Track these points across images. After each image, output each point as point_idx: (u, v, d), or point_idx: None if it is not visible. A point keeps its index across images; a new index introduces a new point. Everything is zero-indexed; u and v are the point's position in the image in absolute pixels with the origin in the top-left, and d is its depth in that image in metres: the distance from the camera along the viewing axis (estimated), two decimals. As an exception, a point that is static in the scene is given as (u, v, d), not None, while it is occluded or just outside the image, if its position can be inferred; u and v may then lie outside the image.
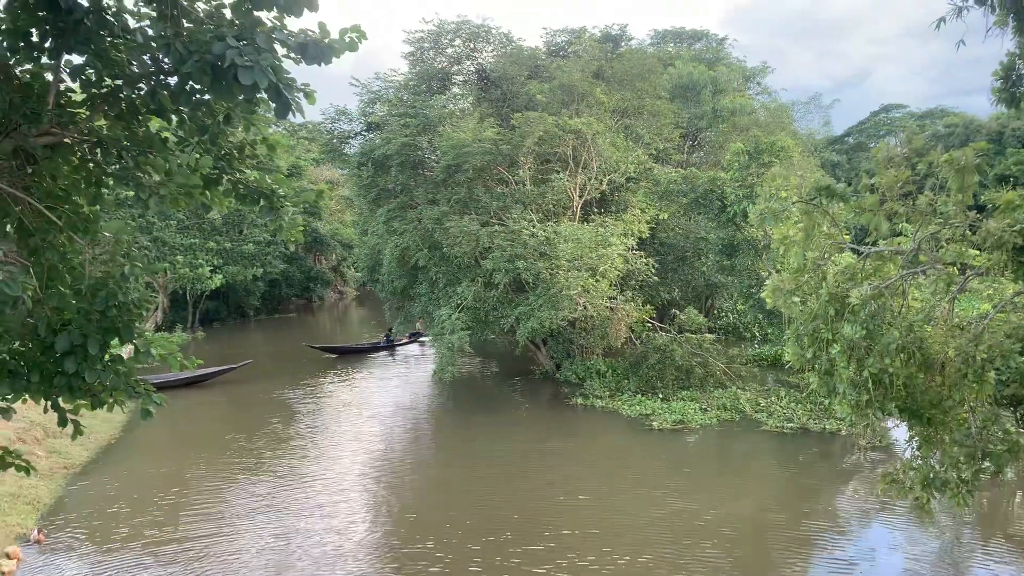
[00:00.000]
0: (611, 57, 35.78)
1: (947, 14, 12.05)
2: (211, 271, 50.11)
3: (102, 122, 7.48)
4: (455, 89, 36.05)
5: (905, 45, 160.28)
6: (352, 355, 43.16)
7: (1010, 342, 12.40)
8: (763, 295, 13.98)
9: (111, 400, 7.64)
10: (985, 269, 11.63)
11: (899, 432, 21.44)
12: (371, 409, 30.44)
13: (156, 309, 51.22)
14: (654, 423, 25.29)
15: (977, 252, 11.69)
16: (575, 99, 32.71)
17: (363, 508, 19.52)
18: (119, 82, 7.15)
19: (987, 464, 11.16)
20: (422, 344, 45.05)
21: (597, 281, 28.40)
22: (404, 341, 45.22)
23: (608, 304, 29.23)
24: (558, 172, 31.32)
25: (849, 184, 13.45)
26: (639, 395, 28.47)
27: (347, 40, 6.83)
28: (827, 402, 23.13)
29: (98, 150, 7.51)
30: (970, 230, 11.58)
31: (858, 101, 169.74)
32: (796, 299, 12.42)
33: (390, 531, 17.99)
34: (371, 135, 33.83)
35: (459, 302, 29.83)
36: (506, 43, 35.47)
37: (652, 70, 36.85)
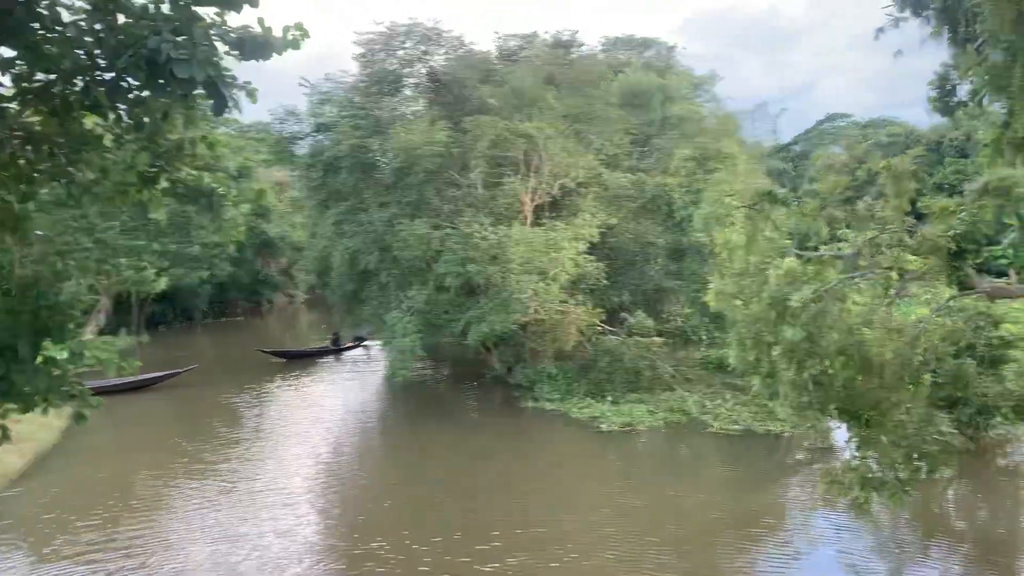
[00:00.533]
0: (563, 63, 35.95)
1: (885, 25, 12.39)
2: (156, 274, 49.01)
3: (34, 118, 7.27)
4: (406, 91, 35.85)
5: (852, 57, 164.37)
6: (301, 359, 42.61)
7: (944, 345, 12.80)
8: (707, 299, 14.19)
9: (43, 404, 7.41)
10: (921, 274, 11.97)
11: (840, 433, 21.92)
12: (320, 413, 30.09)
13: (99, 312, 49.98)
14: (603, 425, 25.45)
15: (914, 257, 12.02)
16: (527, 104, 32.77)
17: (310, 511, 19.27)
18: (52, 77, 6.95)
19: (922, 464, 11.45)
20: (367, 348, 44.70)
21: (548, 285, 28.50)
22: (349, 345, 44.76)
23: (559, 308, 29.34)
24: (510, 176, 31.36)
25: (794, 190, 13.73)
26: (589, 398, 28.61)
27: (290, 38, 6.73)
28: (770, 404, 23.56)
29: (29, 146, 7.29)
30: (908, 236, 11.90)
31: (805, 110, 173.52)
32: (739, 302, 12.63)
33: (338, 532, 17.81)
34: (321, 136, 33.49)
35: (410, 305, 29.65)
36: (458, 46, 35.39)
37: (603, 77, 37.12)
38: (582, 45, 39.59)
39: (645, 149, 45.17)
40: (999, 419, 20.27)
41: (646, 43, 54.57)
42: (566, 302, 29.81)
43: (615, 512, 18.42)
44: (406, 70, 35.47)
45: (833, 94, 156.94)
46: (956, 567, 15.51)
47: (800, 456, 22.32)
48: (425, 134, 29.67)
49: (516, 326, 29.02)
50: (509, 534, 16.99)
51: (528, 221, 32.08)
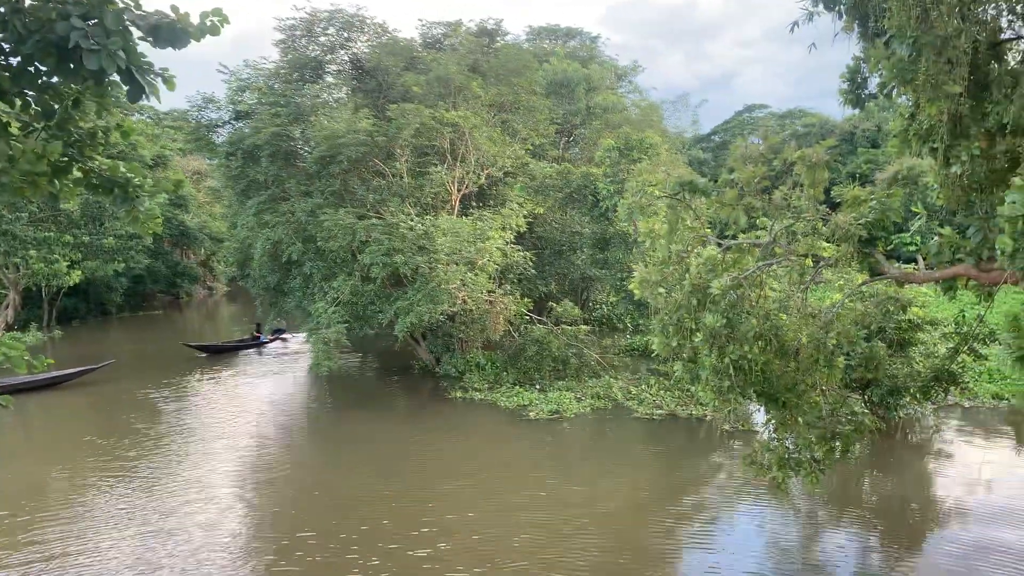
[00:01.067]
0: (487, 51, 35.91)
1: (800, 19, 12.73)
2: (68, 266, 47.15)
3: (-68, 103, 6.92)
4: (329, 79, 35.31)
5: (769, 49, 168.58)
6: (225, 353, 41.65)
7: (856, 329, 13.29)
8: (631, 287, 14.42)
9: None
10: (835, 260, 12.39)
11: (760, 416, 22.60)
12: (242, 407, 29.48)
13: (7, 307, 47.86)
14: (531, 413, 25.67)
15: (828, 244, 12.43)
16: (452, 92, 32.66)
17: (235, 503, 18.93)
18: (-49, 60, 6.62)
19: (837, 444, 11.89)
20: (284, 341, 43.99)
21: (476, 275, 28.52)
22: (270, 339, 43.96)
23: (487, 297, 29.41)
24: (436, 165, 31.23)
25: (714, 180, 14.03)
26: (517, 387, 28.81)
27: (208, 24, 6.55)
28: (692, 388, 24.14)
29: (-73, 134, 6.94)
30: (822, 223, 12.31)
31: (725, 101, 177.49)
32: (662, 290, 12.87)
33: (264, 524, 17.54)
34: (240, 124, 32.73)
35: (335, 296, 29.29)
36: (381, 33, 35.02)
37: (528, 66, 37.23)
38: (507, 34, 39.62)
39: (570, 139, 45.63)
40: (908, 399, 21.22)
41: (570, 33, 55.04)
42: (494, 292, 29.89)
43: (544, 497, 18.63)
44: (328, 56, 34.95)
45: (752, 85, 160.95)
46: (871, 538, 16.19)
47: (721, 439, 22.94)
48: (348, 122, 29.28)
49: (444, 316, 28.98)
50: (440, 520, 17.02)
51: (455, 211, 32.02)
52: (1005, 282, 10.42)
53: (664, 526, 16.84)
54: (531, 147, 36.76)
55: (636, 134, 32.80)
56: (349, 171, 30.20)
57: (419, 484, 19.73)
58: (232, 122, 33.59)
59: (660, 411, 25.27)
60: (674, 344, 12.72)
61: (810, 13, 12.45)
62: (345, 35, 34.55)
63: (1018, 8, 10.90)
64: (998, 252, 8.38)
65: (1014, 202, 7.32)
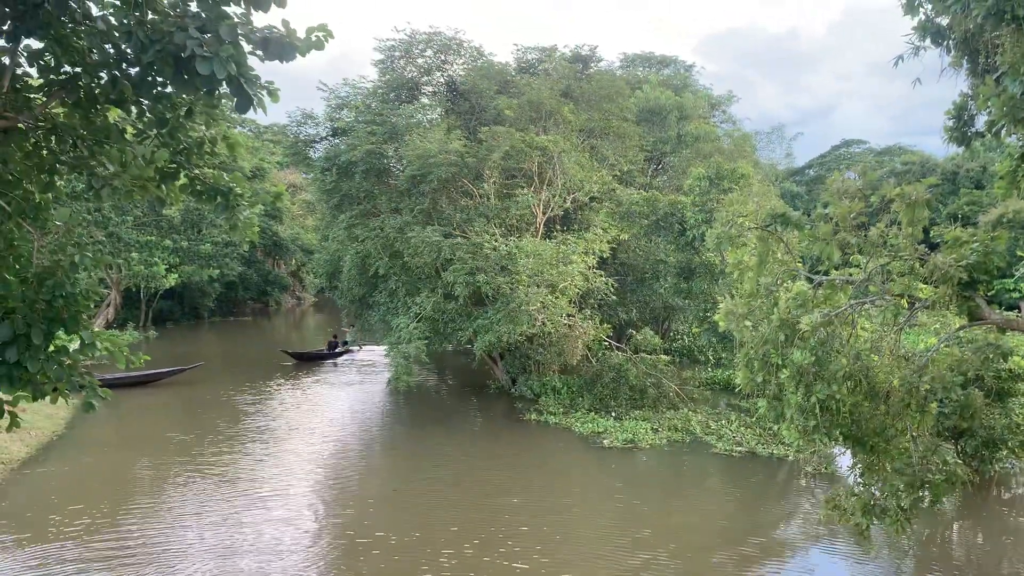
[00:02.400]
0: (580, 77, 36.11)
1: (905, 53, 12.39)
2: (166, 270, 49.29)
3: (59, 109, 7.36)
4: (424, 99, 36.04)
5: (870, 83, 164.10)
6: (312, 361, 42.75)
7: (952, 375, 12.74)
8: (716, 318, 14.19)
9: (53, 392, 7.47)
10: (931, 302, 11.92)
11: (844, 459, 21.80)
12: (322, 415, 30.15)
13: (108, 306, 50.22)
14: (605, 441, 25.39)
15: (924, 286, 11.99)
16: (543, 116, 32.92)
17: (309, 504, 19.61)
18: (78, 69, 7.05)
19: (926, 493, 11.39)
20: (351, 352, 44.70)
21: (556, 298, 28.51)
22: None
23: (566, 321, 29.35)
24: (523, 188, 31.46)
25: (807, 214, 13.72)
26: (592, 413, 28.57)
27: (313, 39, 6.81)
28: (775, 427, 23.47)
29: (53, 137, 7.38)
30: (919, 264, 11.88)
31: (822, 135, 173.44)
32: (748, 323, 12.63)
33: (336, 525, 18.00)
34: (337, 140, 33.66)
35: (418, 312, 29.73)
36: (477, 57, 35.61)
37: (620, 92, 37.25)
38: (600, 60, 39.76)
39: (659, 166, 45.32)
40: (1005, 452, 20.15)
41: (664, 61, 54.84)
42: (574, 316, 29.82)
43: (611, 525, 18.39)
44: (424, 78, 35.68)
45: (849, 120, 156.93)
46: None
47: (802, 481, 22.21)
48: (440, 142, 29.80)
49: (523, 338, 29.04)
50: (502, 543, 16.97)
51: (539, 233, 32.15)
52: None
53: (735, 570, 16.35)
54: (619, 173, 36.67)
55: (727, 164, 32.35)
56: (438, 190, 30.70)
57: (484, 506, 19.76)
58: (329, 138, 34.59)
59: (740, 448, 24.64)
60: (759, 380, 12.44)
61: (916, 47, 12.12)
62: (442, 57, 35.26)
63: None
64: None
65: None
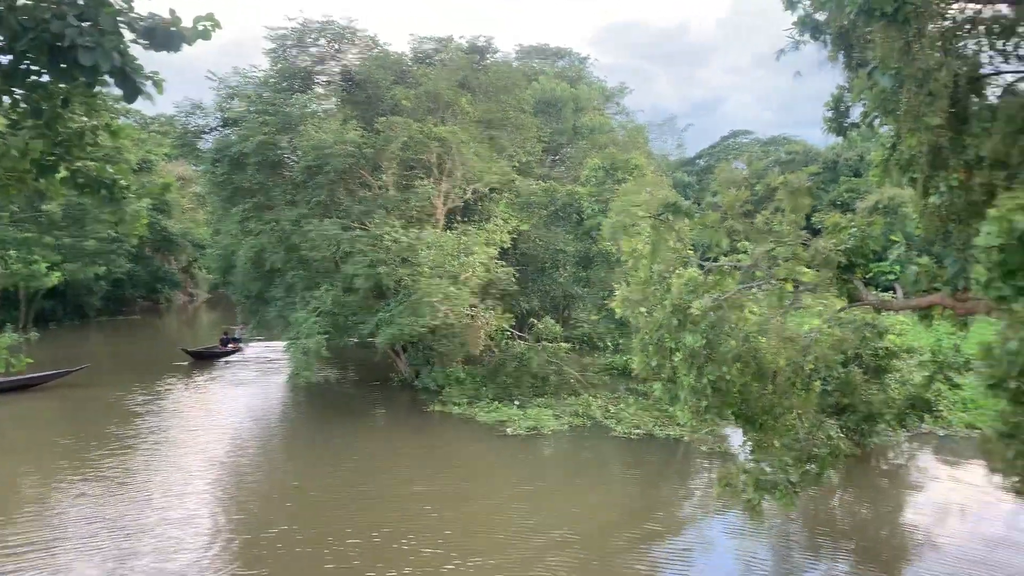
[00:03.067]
0: (477, 68, 36.12)
1: (787, 47, 12.93)
2: (48, 268, 46.70)
3: (-79, 98, 6.91)
4: (318, 89, 35.32)
5: (757, 75, 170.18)
6: (210, 359, 41.36)
7: (833, 354, 13.45)
8: (613, 305, 14.53)
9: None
10: (814, 286, 12.55)
11: (737, 438, 22.71)
12: (217, 413, 29.29)
13: (-19, 307, 47.27)
14: (509, 429, 25.64)
15: (807, 269, 12.59)
16: (441, 107, 32.81)
17: (206, 505, 19.05)
18: (-58, 56, 6.62)
19: (812, 467, 12.00)
20: (241, 349, 43.45)
21: (459, 289, 28.53)
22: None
23: (469, 312, 29.42)
24: (422, 179, 31.30)
25: (697, 203, 14.18)
26: (496, 402, 28.77)
27: (200, 28, 6.61)
28: (671, 409, 24.22)
29: (-85, 128, 6.93)
30: (802, 249, 12.48)
31: (712, 126, 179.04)
32: (643, 310, 12.99)
33: (235, 524, 17.55)
34: (227, 131, 32.65)
35: (317, 306, 29.19)
36: (372, 46, 35.14)
37: (517, 84, 37.47)
38: (497, 52, 39.82)
39: (557, 157, 45.90)
40: (882, 426, 21.40)
41: (559, 53, 55.47)
42: (476, 307, 29.91)
43: (517, 511, 18.64)
44: (318, 67, 34.99)
45: (738, 111, 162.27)
46: (841, 564, 16.29)
47: (698, 460, 23.01)
48: (336, 133, 29.32)
49: (425, 330, 28.93)
50: (405, 536, 16.95)
51: (441, 225, 32.07)
52: (980, 312, 10.60)
53: (637, 547, 16.84)
54: (517, 164, 36.92)
55: (622, 155, 33.06)
56: (335, 182, 30.21)
57: (390, 494, 19.71)
58: (219, 129, 33.52)
59: (638, 431, 25.33)
60: (654, 363, 12.83)
61: (796, 42, 12.66)
62: (336, 47, 34.64)
63: (998, 44, 11.17)
64: (973, 282, 8.53)
65: (989, 233, 7.48)
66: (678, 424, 24.92)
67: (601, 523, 18.04)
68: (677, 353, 12.16)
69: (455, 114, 32.94)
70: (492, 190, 34.12)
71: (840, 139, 13.97)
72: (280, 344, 36.14)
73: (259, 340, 43.01)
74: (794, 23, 12.16)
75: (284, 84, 33.63)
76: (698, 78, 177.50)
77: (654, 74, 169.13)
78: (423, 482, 20.87)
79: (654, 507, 19.37)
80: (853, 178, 64.13)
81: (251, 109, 31.91)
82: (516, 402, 28.67)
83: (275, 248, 30.76)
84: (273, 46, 34.22)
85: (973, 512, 18.75)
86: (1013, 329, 7.65)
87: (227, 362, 41.48)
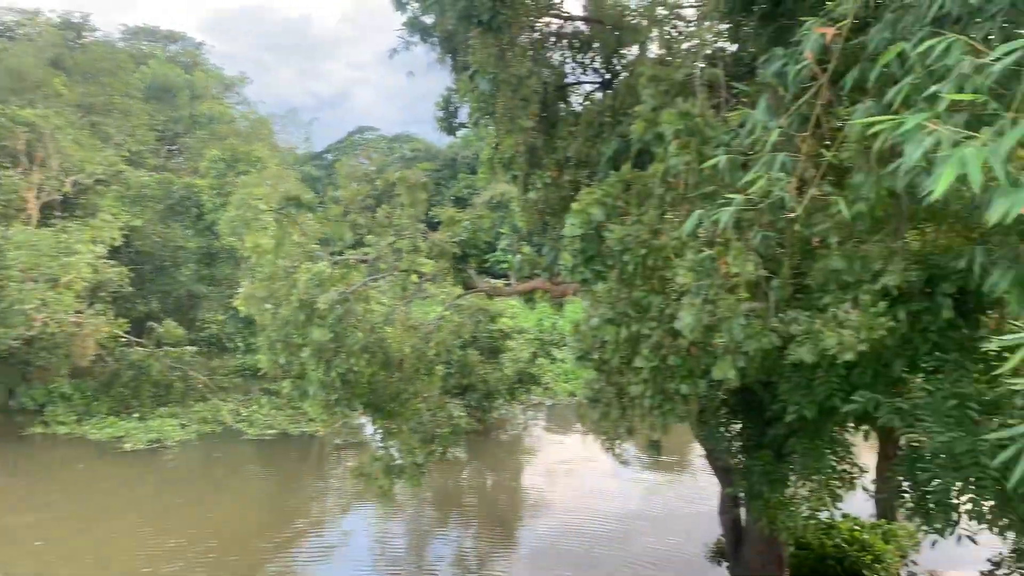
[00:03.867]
0: (73, 47, 32.38)
1: (398, 47, 13.42)
2: None
3: None
4: None
5: (380, 72, 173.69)
6: None
7: (453, 339, 14.35)
8: (237, 303, 13.99)
9: None
10: (433, 275, 13.26)
11: (372, 428, 23.27)
12: None
13: None
14: (127, 445, 23.49)
15: (429, 260, 13.26)
16: (29, 87, 28.83)
17: None
18: None
19: (436, 446, 12.69)
20: None
21: (59, 294, 25.32)
22: None
23: (73, 319, 26.26)
24: (7, 168, 27.26)
25: (323, 199, 14.19)
26: (111, 416, 26.16)
27: None
28: (303, 405, 24.06)
29: None
30: (422, 241, 13.10)
31: (339, 120, 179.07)
32: (269, 306, 12.68)
33: None
34: None
35: None
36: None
37: (123, 66, 34.29)
38: (96, 30, 36.10)
39: (174, 147, 42.87)
40: (500, 401, 23.37)
41: (172, 36, 51.76)
42: (82, 312, 26.82)
43: (144, 532, 17.17)
44: None
45: (364, 107, 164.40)
46: (470, 531, 17.53)
47: (335, 453, 23.15)
48: None
49: (19, 342, 25.26)
50: (25, 559, 14.83)
51: (33, 221, 28.21)
52: (571, 294, 12.02)
53: (278, 549, 16.51)
54: (127, 154, 33.78)
55: (244, 146, 31.86)
56: None
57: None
58: None
59: (272, 431, 24.76)
60: (282, 360, 12.59)
61: (407, 42, 13.19)
62: None
63: (579, 57, 12.73)
64: (562, 268, 9.63)
65: (572, 224, 8.47)
66: (311, 420, 24.80)
67: (243, 530, 17.34)
68: (305, 348, 12.07)
69: (47, 96, 29.18)
70: (98, 182, 30.82)
71: (454, 138, 14.85)
72: None
73: None
74: (404, 24, 12.65)
75: None
76: (324, 72, 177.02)
77: (277, 65, 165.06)
78: (30, 512, 18.30)
79: (296, 506, 19.12)
80: (471, 175, 68.71)
81: None
82: (136, 414, 26.35)
83: None
84: None
85: (575, 469, 21.28)
86: (594, 308, 8.76)
87: None
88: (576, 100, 13.00)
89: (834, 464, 9.06)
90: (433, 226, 14.36)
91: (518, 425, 25.45)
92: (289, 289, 12.79)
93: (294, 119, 78.14)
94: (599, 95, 12.69)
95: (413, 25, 12.55)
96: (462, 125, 13.34)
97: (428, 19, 12.48)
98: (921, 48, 4.21)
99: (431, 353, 12.97)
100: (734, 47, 9.74)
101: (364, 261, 13.70)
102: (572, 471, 21.26)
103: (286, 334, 12.36)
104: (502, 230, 15.54)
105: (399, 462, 12.42)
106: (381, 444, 13.17)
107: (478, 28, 10.01)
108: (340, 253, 13.54)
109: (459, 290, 14.63)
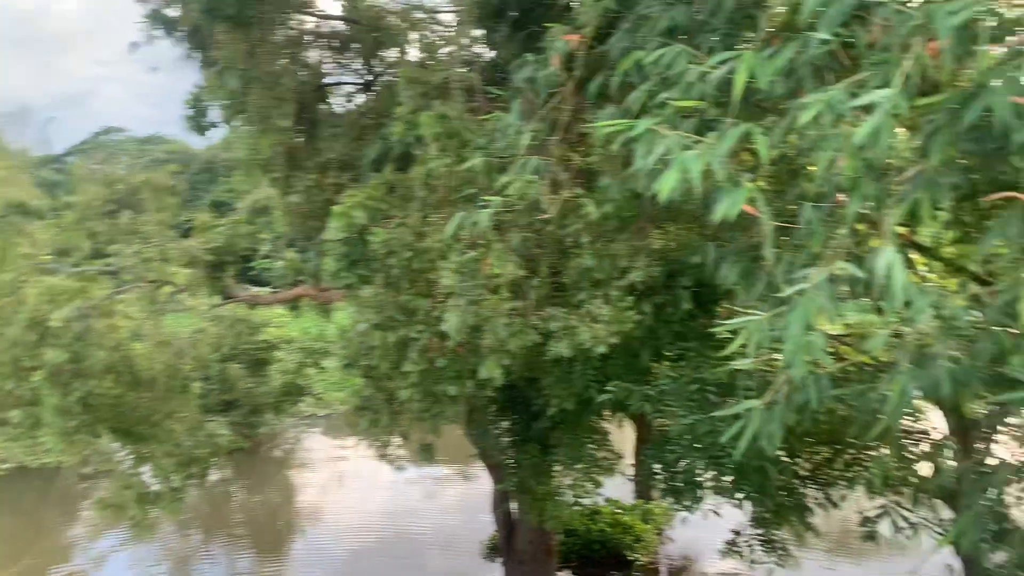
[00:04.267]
0: None
1: (141, 41, 12.39)
2: None
3: None
4: None
5: (128, 69, 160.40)
6: None
7: (210, 352, 13.52)
8: (-50, 324, 12.28)
9: None
10: (187, 285, 12.39)
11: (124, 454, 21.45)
12: None
13: None
14: None
15: (181, 269, 12.36)
16: None
17: None
18: None
19: (194, 468, 11.87)
20: None
21: None
22: None
23: None
24: None
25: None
26: None
27: None
28: (37, 435, 21.64)
29: None
30: (172, 249, 12.18)
31: (82, 120, 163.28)
32: (-10, 326, 11.25)
33: None
34: None
35: None
36: None
37: None
38: None
39: None
40: (268, 415, 22.35)
41: None
42: None
43: None
44: None
45: (111, 105, 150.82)
46: (237, 554, 16.61)
47: (82, 483, 21.07)
48: None
49: None
50: None
51: None
52: (337, 300, 11.71)
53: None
54: None
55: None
56: None
57: None
58: None
59: (6, 465, 22.05)
60: (10, 386, 11.24)
61: (151, 36, 12.22)
62: None
63: (338, 57, 12.42)
64: (326, 273, 9.33)
65: (335, 228, 8.22)
66: (51, 450, 22.37)
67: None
68: (38, 372, 10.82)
69: None
70: None
71: (208, 139, 14.01)
72: None
73: None
74: (146, 16, 11.72)
75: None
76: (62, 67, 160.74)
77: (6, 60, 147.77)
78: None
79: (33, 541, 17.15)
80: (231, 179, 65.35)
81: None
82: None
83: None
84: None
85: (349, 479, 20.86)
86: (361, 313, 8.57)
87: None
88: (338, 101, 12.69)
89: (594, 452, 9.50)
90: (188, 233, 13.44)
91: (290, 439, 24.53)
92: (16, 306, 11.43)
93: (24, 117, 70.38)
94: (361, 96, 12.47)
95: (155, 18, 11.65)
96: (213, 125, 12.56)
97: (172, 12, 11.65)
98: (653, 57, 4.46)
99: (187, 369, 12.12)
100: (492, 52, 9.93)
101: (107, 272, 12.55)
102: (345, 481, 20.84)
103: (14, 356, 11.02)
104: (265, 235, 14.88)
105: (153, 489, 11.47)
106: (132, 470, 12.10)
107: (225, 22, 9.46)
108: (78, 264, 12.30)
109: (217, 301, 13.80)
